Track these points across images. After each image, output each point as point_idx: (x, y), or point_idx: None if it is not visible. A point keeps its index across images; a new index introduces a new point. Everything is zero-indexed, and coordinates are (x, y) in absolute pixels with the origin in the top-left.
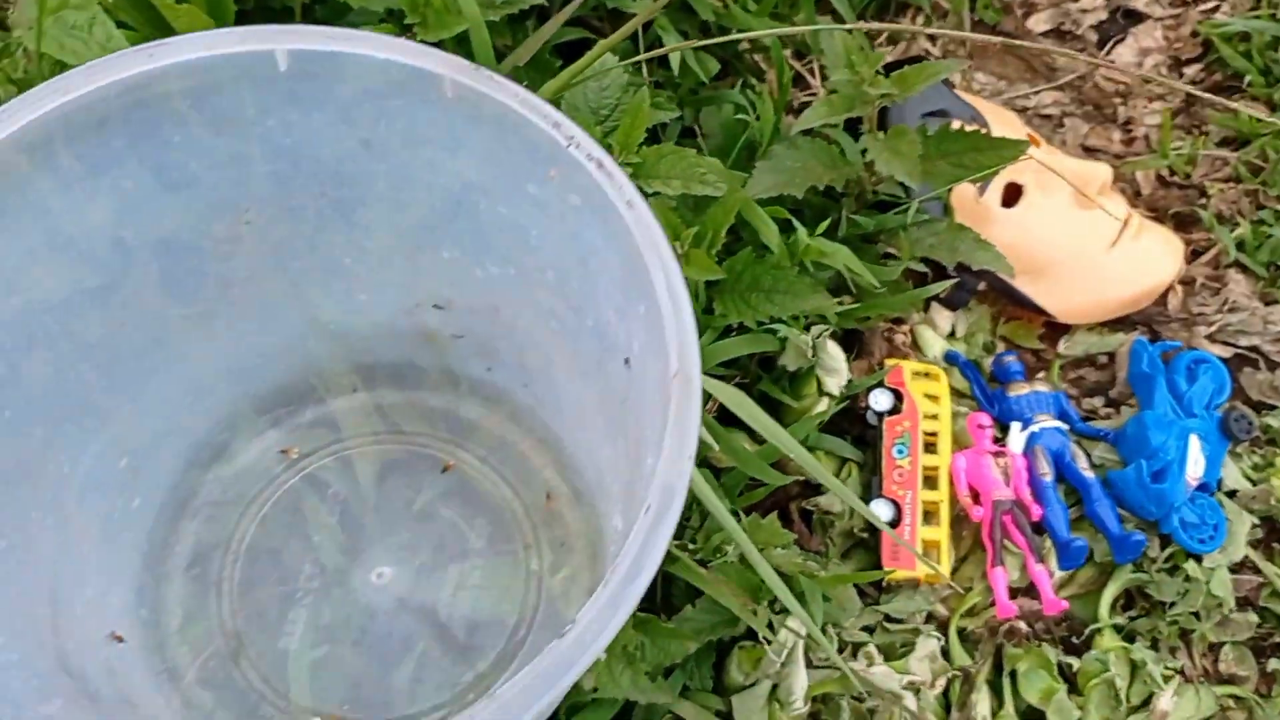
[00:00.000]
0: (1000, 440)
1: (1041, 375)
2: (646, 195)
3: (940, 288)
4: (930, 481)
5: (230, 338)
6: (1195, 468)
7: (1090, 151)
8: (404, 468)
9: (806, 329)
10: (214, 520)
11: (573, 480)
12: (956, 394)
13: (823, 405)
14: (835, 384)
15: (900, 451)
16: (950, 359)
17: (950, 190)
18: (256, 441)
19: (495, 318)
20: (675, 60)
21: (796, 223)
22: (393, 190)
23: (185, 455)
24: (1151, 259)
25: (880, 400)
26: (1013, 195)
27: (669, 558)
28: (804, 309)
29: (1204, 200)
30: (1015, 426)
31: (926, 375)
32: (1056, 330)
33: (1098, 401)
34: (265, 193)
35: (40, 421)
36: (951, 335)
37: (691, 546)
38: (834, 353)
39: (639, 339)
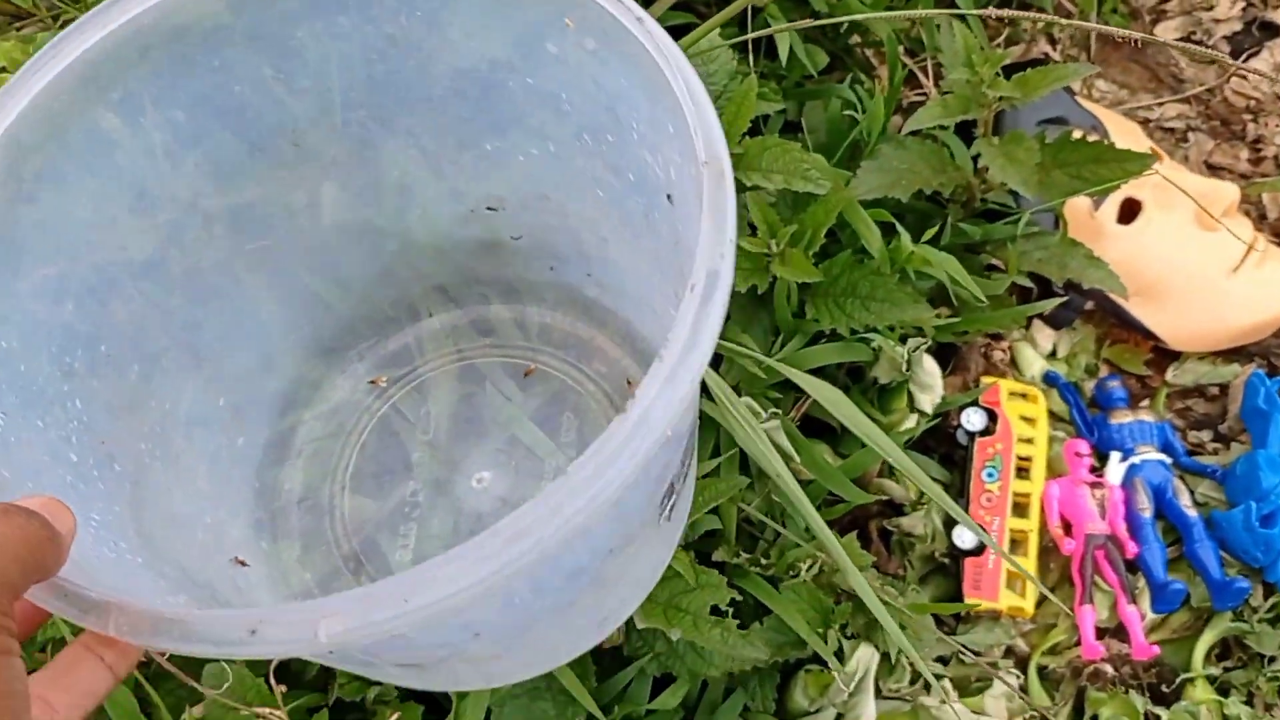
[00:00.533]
0: (1098, 470)
1: (1146, 404)
2: (745, 188)
3: (1046, 305)
4: (1020, 509)
5: (302, 271)
6: None
7: (1215, 170)
8: (487, 379)
9: (902, 340)
10: (318, 455)
11: (649, 360)
12: (1054, 418)
13: (911, 422)
14: (928, 401)
15: (990, 475)
16: (1050, 380)
17: (1064, 202)
18: (346, 376)
19: (546, 206)
20: (783, 48)
21: (900, 227)
22: (425, 86)
23: (281, 394)
24: (1275, 288)
25: (974, 419)
26: (1130, 211)
27: (738, 571)
28: (901, 319)
29: None
30: (1115, 456)
31: (1024, 396)
32: (1165, 357)
33: (1205, 435)
34: (308, 111)
35: (135, 358)
36: (1052, 355)
37: (764, 562)
38: (930, 368)
39: (674, 164)
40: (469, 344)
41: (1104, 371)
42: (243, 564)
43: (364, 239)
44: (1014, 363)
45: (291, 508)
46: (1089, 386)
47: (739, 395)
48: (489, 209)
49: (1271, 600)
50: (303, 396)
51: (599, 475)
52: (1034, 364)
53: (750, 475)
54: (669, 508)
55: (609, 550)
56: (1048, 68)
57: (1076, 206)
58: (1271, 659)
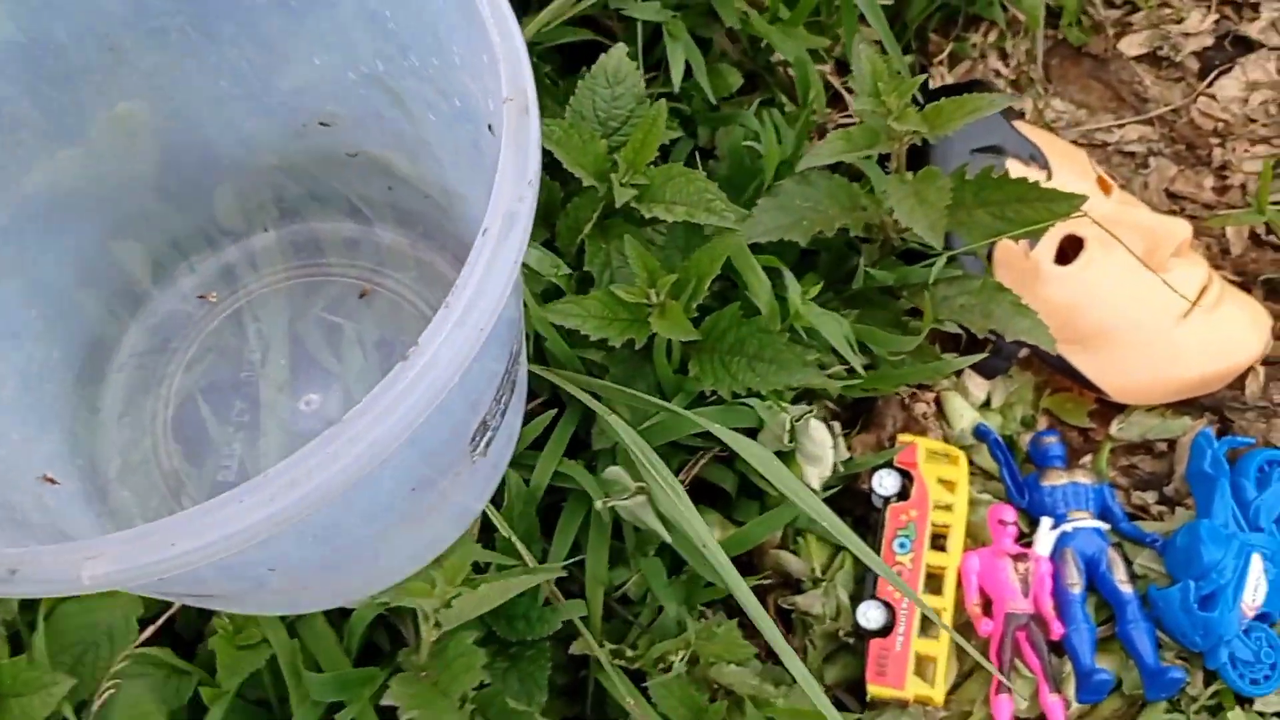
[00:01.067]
0: (1027, 538)
1: (1087, 461)
2: (644, 222)
3: (967, 361)
4: (935, 583)
5: (125, 180)
6: (1255, 594)
7: (1176, 198)
8: (323, 299)
9: (801, 401)
10: (142, 369)
11: None
12: (986, 476)
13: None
14: (816, 475)
15: (903, 546)
16: (980, 434)
17: (994, 243)
18: (173, 289)
19: (381, 125)
20: (676, 68)
21: (791, 279)
22: None
23: (102, 307)
24: (1230, 334)
25: (886, 483)
26: (1072, 249)
27: (596, 664)
28: (789, 383)
29: None
30: (1045, 524)
31: (945, 457)
32: (1111, 408)
33: (1150, 497)
34: (122, 11)
35: None
36: (986, 405)
37: (630, 654)
38: (819, 437)
39: (492, 95)
40: (304, 262)
41: (1043, 424)
42: (52, 481)
43: (190, 150)
44: (942, 413)
45: (111, 423)
46: (1026, 440)
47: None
48: (322, 124)
49: (1213, 688)
50: (126, 310)
51: (379, 423)
52: (964, 416)
53: (626, 543)
54: (482, 444)
55: (411, 489)
56: (965, 99)
57: (1010, 245)
58: None
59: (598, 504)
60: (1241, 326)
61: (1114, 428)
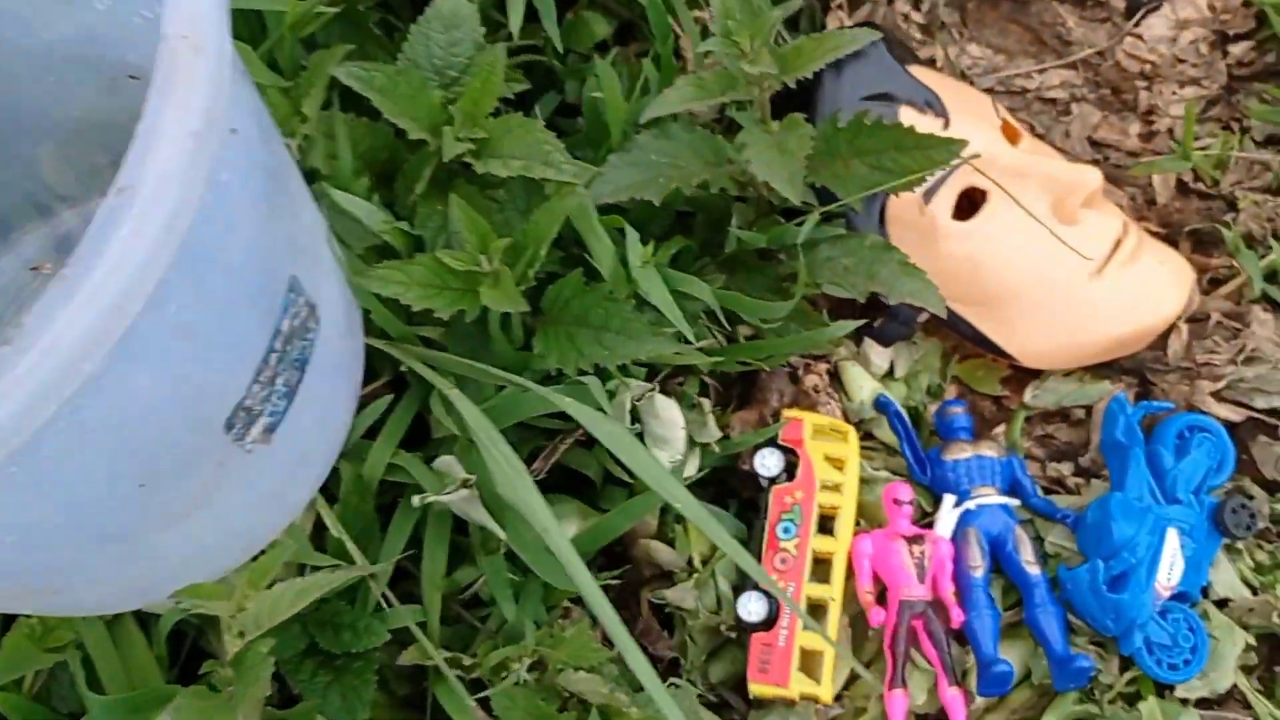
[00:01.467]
0: (933, 518)
1: (1000, 431)
2: (480, 180)
3: (850, 326)
4: (822, 570)
5: None
6: (1170, 573)
7: (1100, 146)
8: None
9: (674, 378)
10: None
11: None
12: (888, 451)
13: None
14: (666, 459)
15: (787, 530)
16: (880, 406)
17: (885, 198)
18: (4, 260)
19: None
20: (515, 14)
21: (633, 239)
22: None
23: None
24: (1149, 290)
25: (768, 462)
26: (975, 202)
27: (435, 673)
28: (638, 356)
29: (1231, 215)
30: (947, 501)
31: (834, 433)
32: (1026, 374)
33: (1066, 468)
34: None
35: None
36: (890, 375)
37: (468, 661)
38: (668, 417)
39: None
40: None
41: (952, 393)
42: None
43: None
44: (841, 386)
45: None
46: (933, 411)
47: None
48: (131, 78)
49: (1130, 675)
50: None
51: None
52: (864, 387)
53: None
54: (253, 430)
55: (139, 485)
56: (821, 37)
57: (904, 201)
58: None
59: (415, 500)
60: (1161, 281)
61: (1028, 395)
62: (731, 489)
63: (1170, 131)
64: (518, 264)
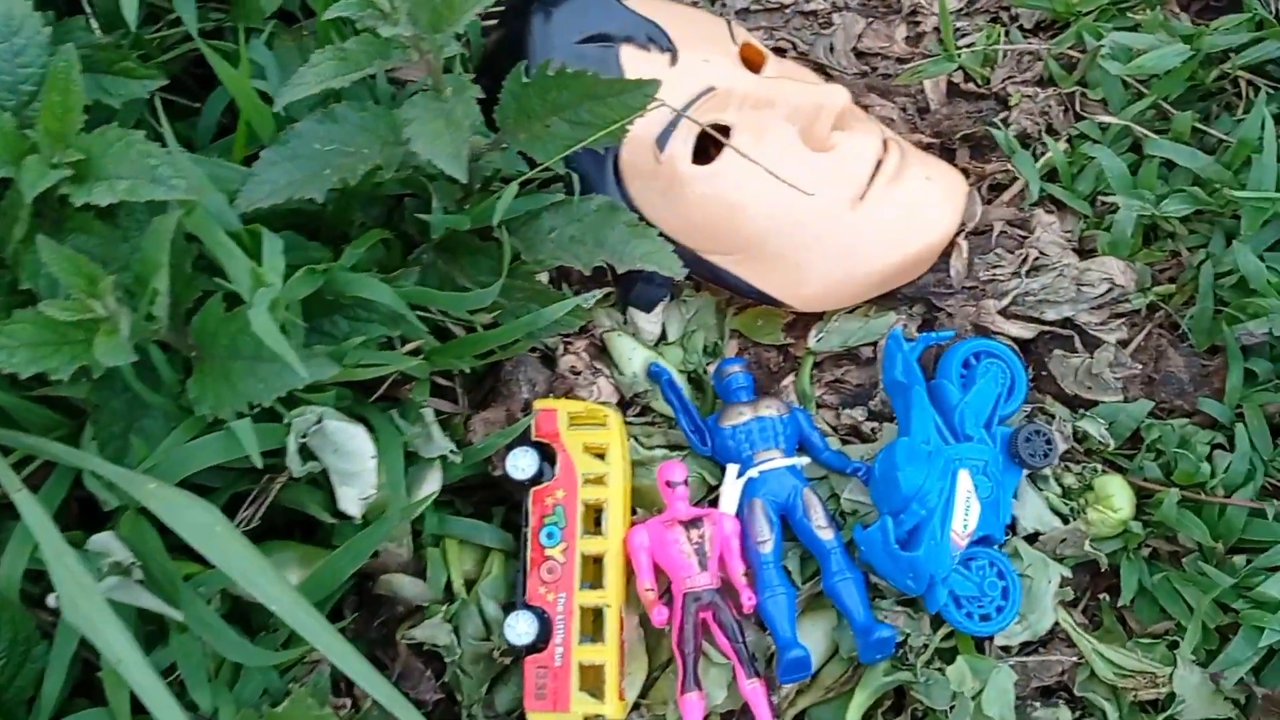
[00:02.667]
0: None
1: (789, 383)
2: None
3: (571, 302)
4: (596, 574)
5: None
6: (966, 519)
7: (866, 56)
8: None
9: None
10: None
11: None
12: (670, 424)
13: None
14: (357, 498)
15: (551, 536)
16: (653, 376)
17: (617, 153)
18: None
19: None
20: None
21: (270, 246)
22: None
23: None
24: (918, 210)
25: (521, 464)
26: (718, 142)
27: None
28: (298, 384)
29: (1005, 114)
30: (730, 472)
31: (590, 419)
32: (810, 318)
33: (859, 414)
34: None
35: None
36: (664, 339)
37: None
38: (354, 449)
39: None
40: None
41: (733, 350)
42: None
43: None
44: (609, 359)
45: None
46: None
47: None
48: None
49: (944, 631)
50: None
51: None
52: (634, 358)
53: None
54: None
55: None
56: None
57: (636, 152)
58: (950, 711)
59: (50, 600)
60: (931, 199)
61: (812, 339)
62: (504, 494)
63: (937, 31)
64: (139, 304)
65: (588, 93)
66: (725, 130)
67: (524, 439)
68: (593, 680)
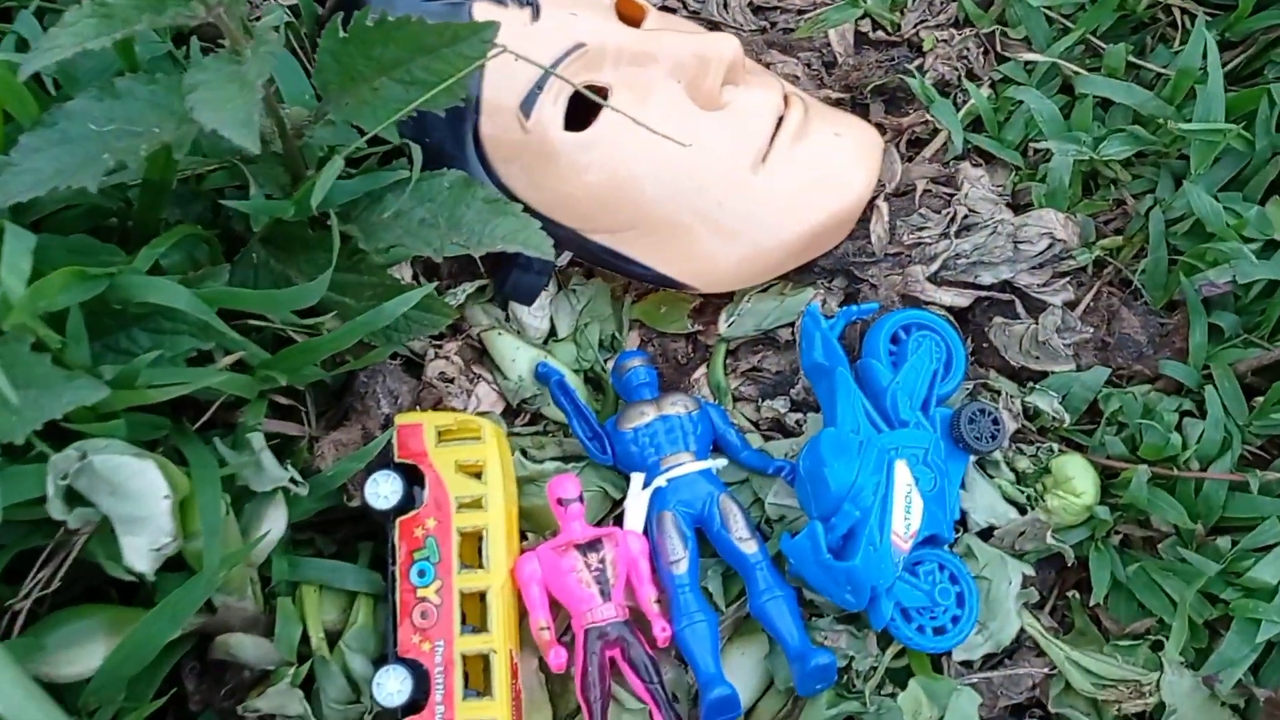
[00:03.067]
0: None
1: (701, 375)
2: None
3: (418, 294)
4: (479, 615)
5: None
6: (907, 517)
7: (764, 11)
8: None
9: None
10: None
11: None
12: (566, 432)
13: (273, 527)
14: (146, 549)
15: (423, 575)
16: (541, 377)
17: (475, 122)
18: None
19: None
20: None
21: (13, 246)
22: None
23: None
24: (828, 170)
25: (382, 490)
26: (594, 106)
27: None
28: (57, 412)
29: (920, 61)
30: (635, 482)
31: (462, 432)
32: (720, 300)
33: (781, 405)
34: None
35: None
36: (553, 335)
37: None
38: (137, 488)
39: None
40: None
41: (634, 341)
42: None
43: None
44: (492, 363)
45: None
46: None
47: None
48: None
49: (892, 651)
50: None
51: None
52: (518, 359)
53: None
54: None
55: None
56: None
57: (496, 118)
58: None
59: None
60: (843, 157)
61: (722, 324)
62: (376, 526)
63: None
64: None
65: (417, 45)
66: (602, 92)
67: (385, 461)
68: None
